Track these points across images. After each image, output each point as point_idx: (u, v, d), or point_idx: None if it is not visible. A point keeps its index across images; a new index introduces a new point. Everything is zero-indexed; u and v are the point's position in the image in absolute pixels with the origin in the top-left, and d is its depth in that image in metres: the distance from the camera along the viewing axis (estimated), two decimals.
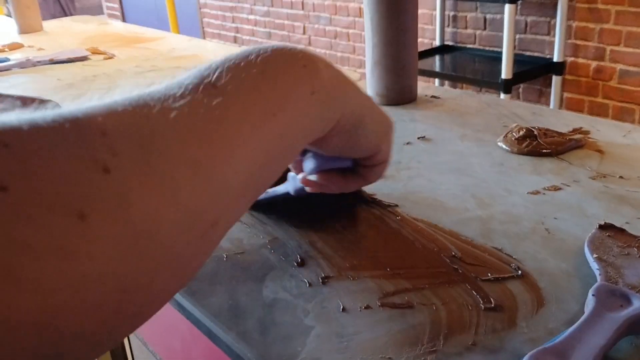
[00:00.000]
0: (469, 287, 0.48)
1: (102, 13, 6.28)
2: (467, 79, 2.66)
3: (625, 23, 2.37)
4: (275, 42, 0.37)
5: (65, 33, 1.82)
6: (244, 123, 0.31)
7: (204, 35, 4.80)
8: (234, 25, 4.43)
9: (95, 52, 1.47)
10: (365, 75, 0.96)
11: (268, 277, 0.51)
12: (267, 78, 0.34)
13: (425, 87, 1.00)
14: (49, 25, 1.96)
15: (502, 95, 2.44)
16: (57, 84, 1.20)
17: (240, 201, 0.32)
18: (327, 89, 0.38)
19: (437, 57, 2.90)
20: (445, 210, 0.60)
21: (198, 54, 1.41)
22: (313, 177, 0.51)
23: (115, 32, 1.81)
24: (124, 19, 5.81)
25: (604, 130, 0.76)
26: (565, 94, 2.63)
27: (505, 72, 2.38)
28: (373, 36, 0.89)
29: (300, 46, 0.39)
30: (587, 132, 0.75)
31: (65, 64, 1.37)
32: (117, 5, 5.83)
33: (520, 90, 2.78)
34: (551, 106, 2.63)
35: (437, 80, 3.05)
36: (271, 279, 0.51)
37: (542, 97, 2.72)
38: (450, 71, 2.73)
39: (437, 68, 2.79)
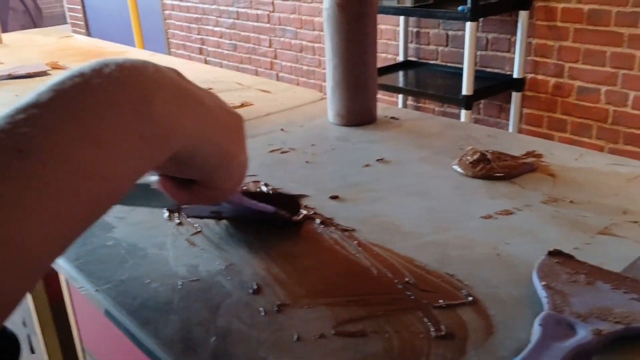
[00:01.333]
0: (421, 314, 0.48)
1: (65, 22, 6.19)
2: (429, 95, 2.70)
3: (584, 41, 2.44)
4: (96, 63, 0.36)
5: (25, 46, 1.79)
6: (53, 189, 0.30)
7: (168, 46, 4.77)
8: (199, 37, 4.42)
9: (55, 67, 1.44)
10: (327, 95, 0.97)
11: (223, 305, 0.51)
12: (86, 132, 0.32)
13: (385, 108, 1.01)
14: (9, 37, 1.92)
15: (463, 111, 2.48)
16: (15, 100, 1.18)
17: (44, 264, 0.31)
18: (160, 127, 0.36)
19: (400, 73, 2.94)
20: (402, 234, 0.61)
21: None
22: (154, 178, 0.50)
23: (77, 45, 1.79)
24: (87, 29, 5.73)
25: (557, 153, 0.78)
26: (525, 110, 2.69)
27: (466, 89, 2.42)
28: (333, 58, 0.90)
29: (167, 60, 0.37)
30: (540, 156, 0.77)
31: (24, 79, 1.35)
32: (80, 15, 5.75)
33: (481, 106, 2.84)
34: (511, 122, 2.69)
35: (400, 96, 3.09)
36: (226, 307, 0.51)
37: (502, 112, 2.77)
38: (413, 87, 2.77)
39: (401, 83, 2.83)
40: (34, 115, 0.32)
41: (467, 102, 2.46)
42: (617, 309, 0.45)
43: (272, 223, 0.63)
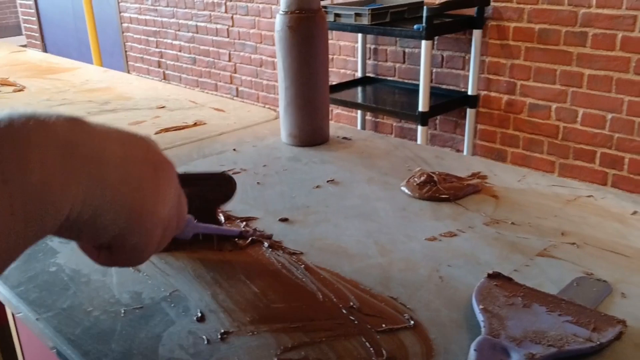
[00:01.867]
0: (364, 339, 0.49)
1: (20, 33, 6.05)
2: (386, 111, 2.74)
3: (534, 59, 2.51)
4: None
5: None
6: None
7: (126, 60, 4.71)
8: (157, 50, 4.38)
9: (5, 83, 1.41)
10: (279, 115, 0.98)
11: (165, 334, 0.51)
12: None
13: (338, 127, 1.02)
14: None
15: (419, 127, 2.52)
16: None
17: None
18: (36, 199, 0.32)
19: (359, 89, 2.97)
20: (349, 257, 0.62)
21: (112, 87, 1.38)
22: None
23: (28, 60, 1.75)
24: (43, 40, 5.61)
25: (500, 174, 0.80)
26: (479, 126, 2.75)
27: (422, 105, 2.47)
28: (285, 79, 0.91)
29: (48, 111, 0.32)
30: (484, 177, 0.79)
31: None
32: (36, 27, 5.63)
33: (437, 121, 2.89)
34: (465, 138, 2.74)
35: (359, 112, 3.12)
36: (169, 336, 0.50)
37: (457, 128, 2.83)
38: (372, 102, 2.80)
39: (359, 99, 2.86)
40: None
41: (423, 118, 2.50)
42: (551, 332, 0.46)
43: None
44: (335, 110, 3.34)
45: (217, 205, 0.65)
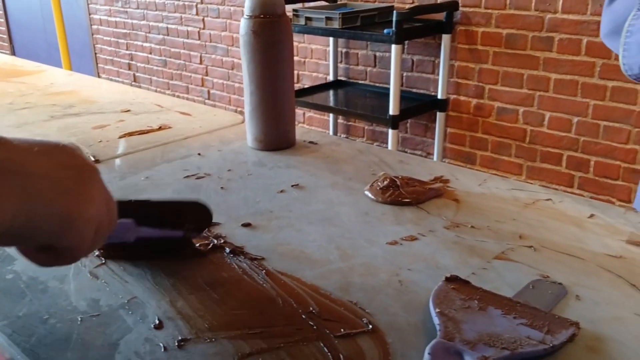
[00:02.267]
0: (322, 344, 0.49)
1: None
2: (358, 114, 2.75)
3: (502, 64, 2.55)
4: None
5: None
6: None
7: (96, 62, 4.65)
8: (128, 52, 4.33)
9: None
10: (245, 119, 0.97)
11: (122, 341, 0.50)
12: None
13: (304, 132, 1.03)
14: None
15: (390, 131, 2.54)
16: None
17: None
18: None
19: (330, 92, 2.98)
20: (310, 262, 0.62)
21: (77, 90, 1.36)
22: None
23: None
24: (11, 43, 5.50)
25: (462, 179, 0.81)
26: (449, 129, 2.78)
27: (393, 109, 2.48)
28: (250, 84, 0.91)
29: None
30: (446, 181, 0.80)
31: None
32: (4, 29, 5.52)
33: (408, 125, 2.91)
34: (436, 141, 2.77)
35: (331, 115, 3.13)
36: (125, 343, 0.50)
37: (428, 131, 2.86)
38: (343, 106, 2.81)
39: (331, 103, 2.87)
40: None
41: (394, 122, 2.51)
42: (505, 334, 0.47)
43: (179, 250, 0.63)
44: (308, 113, 3.34)
45: (193, 236, 0.64)
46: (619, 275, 0.58)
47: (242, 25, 0.89)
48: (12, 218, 0.38)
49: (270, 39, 0.88)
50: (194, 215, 0.63)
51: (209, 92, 3.86)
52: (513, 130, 2.59)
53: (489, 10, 2.53)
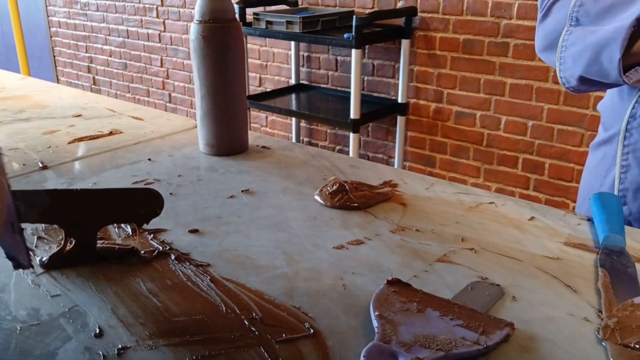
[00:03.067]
0: (263, 350, 0.49)
1: None
2: (320, 118, 2.77)
3: (460, 68, 2.60)
4: None
5: None
6: None
7: (55, 64, 4.56)
8: (87, 55, 4.26)
9: None
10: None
11: (61, 350, 0.49)
12: None
13: (257, 136, 1.03)
14: None
15: (351, 134, 2.56)
16: None
17: None
18: None
19: (293, 96, 2.98)
20: (256, 268, 0.62)
21: (29, 94, 1.33)
22: None
23: None
24: None
25: (410, 183, 0.83)
26: (410, 133, 2.81)
27: (354, 112, 2.50)
28: (201, 88, 0.91)
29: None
30: (395, 185, 0.82)
31: None
32: None
33: (370, 128, 2.94)
34: (397, 144, 2.80)
35: (294, 119, 3.13)
36: (64, 352, 0.49)
37: (389, 135, 2.89)
38: (305, 110, 2.82)
39: (293, 106, 2.88)
40: None
41: (355, 126, 2.53)
42: (441, 336, 0.48)
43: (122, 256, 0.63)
44: (270, 117, 3.34)
45: (142, 222, 0.64)
46: (555, 276, 0.60)
47: (192, 30, 0.88)
48: None
49: (221, 44, 0.88)
50: (145, 203, 0.63)
51: (170, 95, 3.83)
52: (471, 134, 2.64)
53: (447, 16, 2.57)
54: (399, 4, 2.68)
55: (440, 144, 2.74)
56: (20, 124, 1.11)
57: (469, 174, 2.69)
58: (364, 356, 0.44)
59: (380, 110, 2.72)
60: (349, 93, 2.58)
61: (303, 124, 3.22)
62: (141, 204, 0.63)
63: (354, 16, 2.40)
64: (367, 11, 2.74)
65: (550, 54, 0.82)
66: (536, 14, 2.41)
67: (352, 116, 2.52)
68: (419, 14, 2.62)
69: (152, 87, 3.91)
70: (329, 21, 2.70)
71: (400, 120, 2.76)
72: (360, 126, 2.58)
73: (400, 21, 2.63)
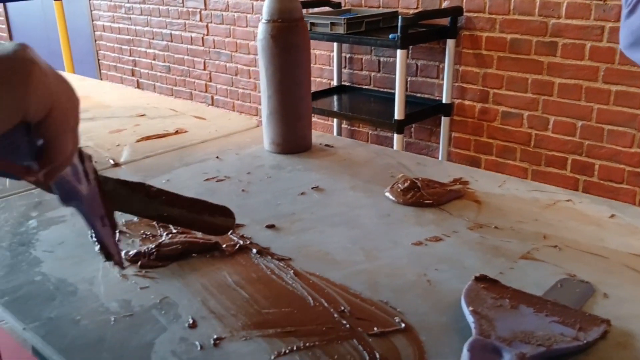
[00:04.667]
0: (356, 342, 0.49)
1: None
2: (362, 119, 2.76)
3: (506, 68, 2.56)
4: None
5: None
6: None
7: (99, 68, 4.66)
8: (131, 58, 4.34)
9: None
10: (262, 123, 0.98)
11: (158, 341, 0.51)
12: None
13: (319, 135, 1.03)
14: None
15: (395, 135, 2.54)
16: None
17: None
18: None
19: (334, 97, 2.98)
20: (336, 263, 0.62)
21: (90, 95, 1.37)
22: None
23: None
24: None
25: (481, 180, 0.82)
26: (454, 134, 2.79)
27: (398, 113, 2.49)
28: (268, 88, 0.92)
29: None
30: (466, 183, 0.81)
31: None
32: (6, 35, 5.54)
33: (413, 129, 2.92)
34: (440, 145, 2.78)
35: (335, 120, 3.14)
36: (161, 343, 0.50)
37: (432, 136, 2.87)
38: (347, 111, 2.82)
39: (335, 108, 2.88)
40: None
41: (399, 127, 2.52)
42: (538, 332, 0.48)
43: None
44: (312, 118, 3.35)
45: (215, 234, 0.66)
46: None
47: (260, 29, 0.89)
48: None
49: (288, 43, 0.89)
50: (219, 216, 0.64)
51: (212, 97, 3.87)
52: (518, 135, 2.60)
53: (493, 16, 2.54)
54: (444, 4, 2.65)
55: (486, 144, 2.70)
56: (87, 123, 1.14)
57: (516, 176, 2.64)
58: (467, 350, 0.44)
59: (424, 111, 2.70)
60: (392, 94, 2.57)
61: (344, 125, 3.22)
62: (216, 218, 0.65)
63: (400, 16, 2.39)
64: (412, 11, 2.73)
65: (636, 51, 0.80)
66: (585, 14, 2.36)
67: (396, 117, 2.51)
68: (465, 13, 2.59)
69: (194, 89, 3.97)
70: (373, 22, 2.69)
71: (444, 120, 2.74)
72: (404, 127, 2.56)
73: (446, 21, 2.60)
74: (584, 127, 2.43)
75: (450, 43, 2.62)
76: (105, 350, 0.50)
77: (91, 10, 4.52)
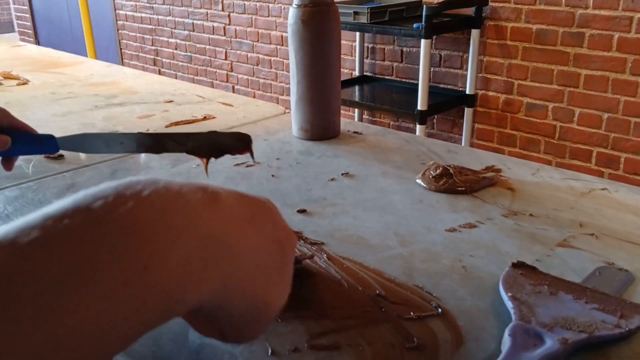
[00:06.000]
0: (392, 326, 0.49)
1: (13, 30, 6.02)
2: (385, 109, 2.75)
3: (532, 59, 2.53)
4: (113, 194, 0.27)
5: None
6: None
7: (121, 57, 4.69)
8: (153, 48, 4.36)
9: (8, 77, 1.40)
10: (290, 109, 0.98)
11: None
12: (76, 302, 0.24)
13: (347, 122, 1.03)
14: None
15: (418, 126, 2.53)
16: None
17: None
18: (165, 293, 0.28)
19: (356, 87, 2.97)
20: (370, 248, 0.62)
21: (117, 81, 1.37)
22: None
23: (29, 55, 1.74)
24: (36, 37, 5.58)
25: (514, 168, 0.81)
26: (477, 125, 2.76)
27: (421, 104, 2.48)
28: (297, 73, 0.91)
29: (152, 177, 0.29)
30: (499, 170, 0.80)
31: None
32: (29, 24, 5.60)
33: (435, 120, 2.90)
34: (463, 137, 2.76)
35: (356, 110, 3.12)
36: None
37: (455, 127, 2.84)
38: (369, 101, 2.81)
39: (357, 98, 2.87)
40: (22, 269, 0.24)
41: (422, 117, 2.51)
42: (579, 318, 0.47)
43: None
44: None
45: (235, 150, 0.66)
46: None
47: (291, 14, 0.89)
48: (208, 298, 0.31)
49: (319, 28, 0.88)
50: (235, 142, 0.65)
51: (233, 87, 3.88)
52: (542, 126, 2.57)
53: (519, 6, 2.51)
54: None
55: (510, 136, 2.68)
56: (115, 108, 1.14)
57: None
58: (509, 335, 0.43)
59: (446, 102, 2.68)
60: (415, 84, 2.55)
61: (365, 116, 3.20)
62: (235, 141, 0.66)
63: (424, 6, 2.37)
64: (436, 1, 2.70)
65: None
66: (613, 4, 2.32)
67: (419, 107, 2.50)
68: (490, 3, 2.56)
69: (216, 79, 3.98)
70: (397, 11, 2.68)
71: (467, 112, 2.72)
72: (426, 118, 2.55)
73: (470, 11, 2.58)
74: (610, 120, 2.40)
75: (474, 33, 2.59)
76: None
77: (114, 0, 4.54)
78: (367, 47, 3.08)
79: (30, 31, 5.62)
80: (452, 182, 0.74)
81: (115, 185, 0.29)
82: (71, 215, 0.26)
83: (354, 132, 0.98)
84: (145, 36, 4.39)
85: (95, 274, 0.25)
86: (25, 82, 1.37)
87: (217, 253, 0.31)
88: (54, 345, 0.24)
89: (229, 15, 3.71)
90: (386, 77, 3.03)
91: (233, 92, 3.87)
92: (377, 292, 0.54)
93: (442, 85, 2.82)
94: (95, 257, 0.25)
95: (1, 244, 0.25)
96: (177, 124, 1.03)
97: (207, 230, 0.30)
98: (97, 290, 0.25)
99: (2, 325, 0.23)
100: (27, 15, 5.58)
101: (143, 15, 4.33)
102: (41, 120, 1.06)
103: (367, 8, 2.57)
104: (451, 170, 0.76)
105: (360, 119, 3.19)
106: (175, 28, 4.11)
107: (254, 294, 0.35)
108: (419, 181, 0.77)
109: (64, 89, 1.31)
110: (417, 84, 2.50)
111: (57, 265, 0.25)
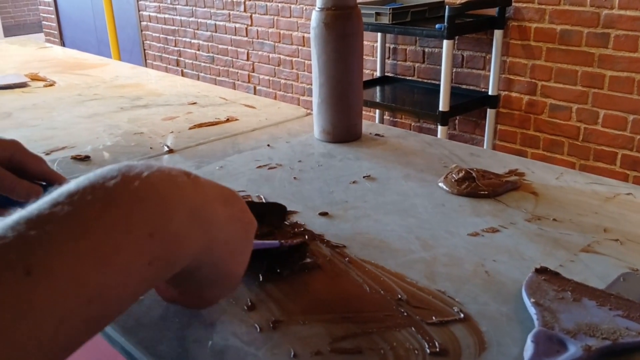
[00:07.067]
0: (414, 330, 0.49)
1: (40, 31, 6.12)
2: (406, 110, 2.74)
3: (555, 60, 2.50)
4: (122, 173, 0.35)
5: (1, 56, 1.77)
6: (56, 311, 0.29)
7: (144, 57, 4.74)
8: (176, 49, 4.40)
9: (35, 78, 1.43)
10: (313, 111, 0.98)
11: (218, 322, 0.51)
12: (98, 255, 0.31)
13: (369, 125, 1.03)
14: None
15: (439, 127, 2.52)
16: None
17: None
18: (169, 252, 0.36)
19: (377, 88, 2.97)
20: (391, 251, 0.62)
21: (142, 83, 1.39)
22: None
23: (54, 56, 1.77)
24: (61, 38, 5.66)
25: (537, 172, 0.81)
26: (499, 126, 2.74)
27: (443, 105, 2.46)
28: (320, 75, 0.92)
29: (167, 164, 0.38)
30: (522, 174, 0.80)
31: (2, 91, 1.33)
32: (54, 25, 5.69)
33: (457, 121, 2.88)
34: (485, 138, 2.74)
35: (377, 111, 3.12)
36: (221, 324, 0.51)
37: (477, 128, 2.82)
38: (391, 102, 2.80)
39: (378, 98, 2.86)
40: (46, 233, 0.30)
41: (444, 118, 2.49)
42: (603, 325, 0.47)
43: (276, 259, 0.59)
44: None
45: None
46: None
47: (314, 17, 0.89)
48: (192, 260, 0.39)
49: (342, 31, 0.89)
50: (271, 214, 0.66)
51: (255, 88, 3.90)
52: (566, 128, 2.54)
53: (543, 6, 2.48)
54: None
55: (533, 137, 2.65)
56: (140, 110, 1.16)
57: None
58: (532, 341, 0.43)
59: (469, 103, 2.66)
60: (436, 85, 2.54)
61: (386, 116, 3.20)
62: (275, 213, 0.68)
63: (447, 6, 2.36)
64: (458, 1, 2.69)
65: None
66: (639, 5, 2.28)
67: (440, 108, 2.49)
68: (513, 3, 2.54)
69: (237, 80, 4.00)
70: (419, 12, 2.67)
71: (490, 113, 2.70)
72: (448, 119, 2.53)
73: (493, 11, 2.56)
74: (636, 121, 2.36)
75: (497, 34, 2.57)
76: (167, 329, 0.51)
77: (137, 1, 4.60)
78: (389, 47, 3.08)
79: (55, 32, 5.71)
80: (475, 186, 0.74)
81: (118, 167, 0.35)
82: (91, 192, 0.33)
83: (376, 135, 0.99)
84: (168, 37, 4.44)
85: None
86: (51, 84, 1.39)
87: (200, 224, 0.38)
88: (108, 278, 0.32)
89: (251, 17, 3.73)
90: (407, 78, 3.02)
91: (255, 92, 3.89)
92: (399, 296, 0.54)
93: (464, 86, 2.81)
94: (118, 235, 0.33)
95: (42, 219, 0.30)
96: (200, 125, 1.04)
97: (191, 204, 0.38)
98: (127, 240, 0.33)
99: (78, 258, 0.30)
100: (53, 17, 5.67)
101: (166, 16, 4.38)
102: (67, 122, 1.07)
103: (389, 9, 2.57)
104: (474, 174, 0.75)
105: (382, 120, 3.19)
106: (197, 29, 4.15)
107: (222, 263, 0.43)
108: (441, 184, 0.77)
109: (90, 90, 1.33)
110: (439, 85, 2.49)
111: (100, 226, 0.32)
